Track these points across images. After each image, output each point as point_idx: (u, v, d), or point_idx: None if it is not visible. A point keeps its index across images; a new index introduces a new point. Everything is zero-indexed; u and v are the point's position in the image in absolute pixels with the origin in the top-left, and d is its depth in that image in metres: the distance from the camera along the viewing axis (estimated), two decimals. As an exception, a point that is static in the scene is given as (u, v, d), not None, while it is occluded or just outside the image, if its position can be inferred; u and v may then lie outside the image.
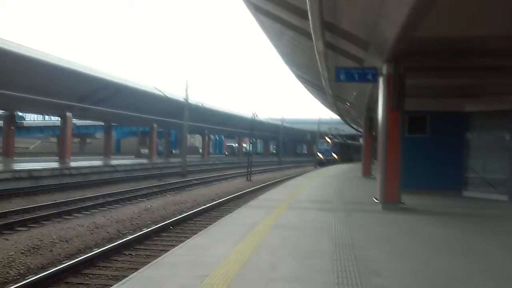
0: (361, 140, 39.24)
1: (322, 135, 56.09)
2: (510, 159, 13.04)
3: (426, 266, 5.46)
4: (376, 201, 10.75)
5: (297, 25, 11.34)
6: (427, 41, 9.42)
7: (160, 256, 6.15)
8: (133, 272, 5.28)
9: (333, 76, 11.86)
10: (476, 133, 14.26)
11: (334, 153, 50.78)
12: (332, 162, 47.23)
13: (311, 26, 8.59)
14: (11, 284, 6.92)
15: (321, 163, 46.93)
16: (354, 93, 17.76)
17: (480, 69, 11.58)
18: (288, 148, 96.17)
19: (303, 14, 8.35)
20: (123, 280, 4.73)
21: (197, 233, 8.15)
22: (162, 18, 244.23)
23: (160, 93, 31.71)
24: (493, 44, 9.72)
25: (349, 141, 60.40)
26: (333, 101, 23.33)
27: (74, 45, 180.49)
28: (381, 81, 10.54)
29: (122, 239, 10.10)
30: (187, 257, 5.60)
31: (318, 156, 51.48)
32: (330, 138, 52.51)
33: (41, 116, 53.52)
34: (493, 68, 11.74)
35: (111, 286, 4.65)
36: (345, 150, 56.22)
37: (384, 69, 10.31)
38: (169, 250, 6.48)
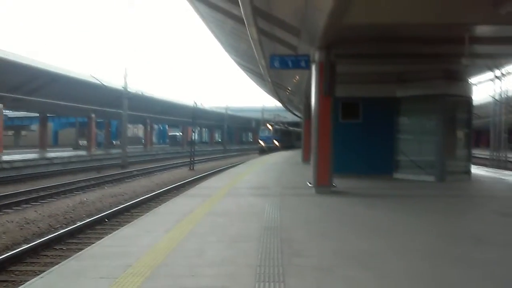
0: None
1: (265, 122, 55.34)
2: (437, 142, 13.80)
3: (347, 245, 5.71)
4: (309, 185, 11.05)
5: (235, 13, 11.33)
6: (356, 29, 9.68)
7: (87, 248, 6.01)
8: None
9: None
10: (406, 117, 14.95)
11: (275, 140, 49.90)
12: (273, 149, 46.66)
13: (242, 12, 8.61)
14: None
15: (262, 151, 46.56)
16: (294, 80, 18.05)
17: (407, 56, 12.10)
18: (233, 136, 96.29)
19: (238, 2, 8.37)
20: (42, 274, 4.59)
21: (130, 223, 8.02)
22: (101, 6, 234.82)
23: (97, 82, 30.64)
24: (417, 31, 10.17)
25: (290, 128, 60.00)
26: (274, 88, 23.61)
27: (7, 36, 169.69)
28: (313, 68, 10.76)
29: (53, 234, 9.77)
30: (113, 248, 5.51)
31: (259, 143, 50.74)
32: (271, 125, 51.48)
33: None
34: (420, 55, 12.32)
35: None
36: (287, 137, 55.68)
37: (316, 57, 10.52)
38: (98, 242, 6.34)
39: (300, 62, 11.22)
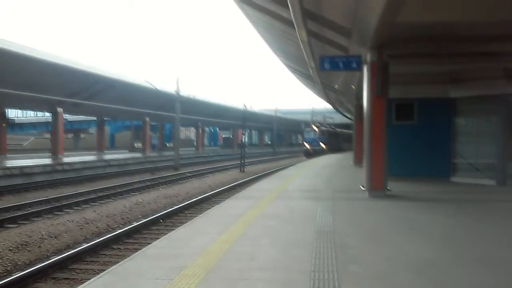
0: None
1: (310, 124, 51.08)
2: (497, 143, 13.15)
3: (403, 252, 5.53)
4: (363, 188, 10.83)
5: (283, 15, 11.34)
6: (409, 28, 9.42)
7: (144, 249, 6.19)
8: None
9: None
10: (463, 118, 14.38)
11: (322, 142, 45.75)
12: (320, 152, 43.31)
13: (292, 15, 8.59)
14: (-3, 281, 6.94)
15: (308, 154, 43.90)
16: (340, 79, 17.70)
17: (464, 55, 11.62)
18: (282, 138, 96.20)
19: (286, 4, 8.37)
20: (100, 274, 4.76)
21: (183, 225, 8.19)
22: (152, 14, 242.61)
23: (151, 87, 31.60)
24: (477, 30, 9.77)
25: (338, 129, 56.53)
26: (323, 90, 23.37)
27: (65, 42, 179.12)
28: (365, 69, 10.56)
29: (111, 233, 10.14)
30: (168, 249, 5.65)
31: (304, 146, 47.19)
32: (317, 126, 47.54)
33: (34, 113, 53.21)
34: (478, 54, 11.78)
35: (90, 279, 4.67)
36: (334, 139, 51.73)
37: (368, 57, 10.32)
38: (155, 243, 6.52)
39: (351, 63, 11.02)
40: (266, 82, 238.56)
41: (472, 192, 11.88)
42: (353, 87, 18.08)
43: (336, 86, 22.33)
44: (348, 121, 52.40)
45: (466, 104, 13.93)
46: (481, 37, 10.16)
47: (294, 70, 26.06)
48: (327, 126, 52.47)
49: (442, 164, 14.07)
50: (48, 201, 15.20)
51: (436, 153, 14.11)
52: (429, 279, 4.49)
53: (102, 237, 9.88)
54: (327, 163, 25.59)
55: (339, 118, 56.25)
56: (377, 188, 10.34)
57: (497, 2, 8.35)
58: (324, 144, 45.63)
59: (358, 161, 22.99)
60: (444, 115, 14.10)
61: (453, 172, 14.04)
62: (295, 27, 9.44)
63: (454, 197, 11.10)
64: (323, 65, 11.07)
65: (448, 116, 14.10)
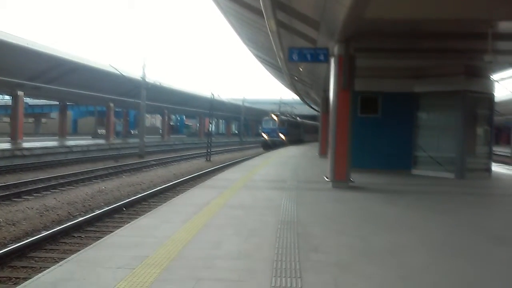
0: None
1: (270, 113, 45.90)
2: (457, 138, 13.59)
3: (364, 241, 5.67)
4: (327, 179, 11.00)
5: (253, 5, 11.28)
6: (377, 23, 9.58)
7: (106, 237, 6.09)
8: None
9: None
10: (425, 113, 14.76)
11: (281, 133, 41.81)
12: (279, 144, 39.89)
13: (261, 4, 8.57)
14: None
15: (266, 146, 40.63)
16: (301, 68, 17.70)
17: (427, 51, 11.93)
18: (250, 128, 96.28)
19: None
20: (61, 262, 4.66)
21: (147, 213, 8.10)
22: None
23: (117, 72, 30.90)
24: (439, 27, 10.02)
25: (299, 119, 52.56)
26: (291, 81, 23.49)
27: (28, 23, 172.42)
28: (332, 62, 10.67)
29: (72, 221, 9.93)
30: (131, 238, 5.57)
31: (263, 136, 42.96)
32: (276, 115, 43.30)
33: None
34: (440, 50, 12.13)
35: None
36: (295, 130, 47.78)
37: (335, 50, 10.43)
38: (117, 232, 6.42)
39: (319, 55, 11.14)
40: (235, 71, 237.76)
41: (432, 184, 12.27)
42: (320, 80, 18.25)
43: (305, 79, 22.48)
44: (314, 112, 52.44)
45: (428, 99, 14.30)
46: (443, 34, 10.45)
47: (263, 61, 26.04)
48: (288, 115, 48.17)
49: (404, 157, 14.44)
50: (6, 187, 14.70)
51: (399, 146, 14.45)
52: (388, 265, 4.64)
53: (62, 225, 9.66)
54: (293, 154, 25.82)
55: (306, 110, 56.34)
56: (340, 179, 10.53)
57: (460, 1, 8.58)
58: (284, 135, 42.00)
59: (323, 152, 23.32)
60: (407, 109, 14.44)
61: (414, 165, 14.44)
62: (265, 17, 9.42)
63: (414, 189, 11.42)
64: (291, 56, 11.15)
65: (410, 110, 14.45)
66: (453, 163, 13.64)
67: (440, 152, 14.17)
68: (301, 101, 45.13)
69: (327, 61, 11.00)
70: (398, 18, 9.12)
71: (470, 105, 13.68)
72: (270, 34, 11.10)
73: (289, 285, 3.95)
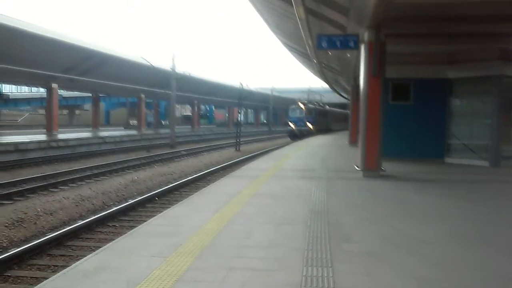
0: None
1: (297, 101, 44.20)
2: (491, 125, 13.19)
3: (396, 231, 5.60)
4: (357, 168, 10.89)
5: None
6: (407, 7, 9.36)
7: (140, 226, 6.23)
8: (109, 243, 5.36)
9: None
10: (458, 99, 14.38)
11: (308, 122, 39.82)
12: (306, 134, 38.28)
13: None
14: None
15: (294, 135, 38.98)
16: (330, 53, 17.19)
17: (461, 35, 11.57)
18: (278, 117, 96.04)
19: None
20: (97, 250, 4.80)
21: (179, 203, 8.23)
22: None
23: (147, 63, 31.33)
24: (475, 10, 9.69)
25: (328, 107, 50.90)
26: (320, 69, 23.25)
27: (61, 18, 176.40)
28: (362, 48, 10.52)
29: (106, 211, 10.19)
30: (164, 227, 5.69)
31: (289, 126, 41.10)
32: (303, 104, 41.47)
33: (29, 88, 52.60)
34: (475, 34, 11.75)
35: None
36: (323, 118, 45.71)
37: (365, 36, 10.26)
38: (150, 221, 6.56)
39: (348, 42, 10.96)
40: (263, 60, 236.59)
41: (466, 173, 11.97)
42: (350, 68, 17.97)
43: (335, 66, 22.21)
44: (343, 100, 51.73)
45: (461, 85, 13.91)
46: (477, 17, 10.10)
47: (292, 49, 25.85)
48: (316, 103, 46.38)
49: (436, 145, 14.13)
50: (43, 177, 15.19)
51: (431, 133, 14.14)
52: (420, 256, 4.57)
53: (97, 214, 9.93)
54: (322, 143, 25.65)
55: (334, 98, 55.52)
56: (371, 168, 10.41)
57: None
58: (312, 124, 39.99)
59: (353, 141, 23.07)
60: (439, 95, 14.08)
61: (447, 153, 14.12)
62: (293, 4, 9.33)
63: (447, 177, 11.19)
64: (320, 44, 11.01)
65: (443, 97, 14.09)
66: (488, 151, 13.27)
67: (474, 140, 13.80)
68: (331, 89, 44.64)
69: (357, 48, 10.82)
70: (427, 1, 8.86)
71: (506, 90, 13.22)
72: (298, 21, 11.00)
73: (320, 275, 3.96)
